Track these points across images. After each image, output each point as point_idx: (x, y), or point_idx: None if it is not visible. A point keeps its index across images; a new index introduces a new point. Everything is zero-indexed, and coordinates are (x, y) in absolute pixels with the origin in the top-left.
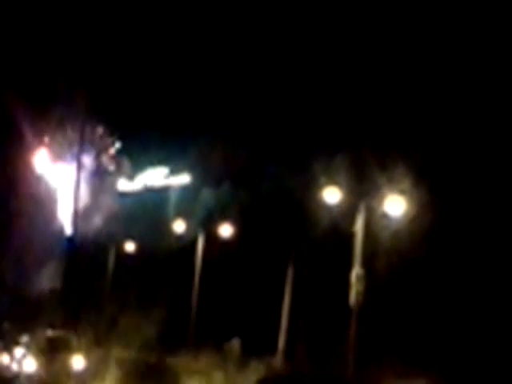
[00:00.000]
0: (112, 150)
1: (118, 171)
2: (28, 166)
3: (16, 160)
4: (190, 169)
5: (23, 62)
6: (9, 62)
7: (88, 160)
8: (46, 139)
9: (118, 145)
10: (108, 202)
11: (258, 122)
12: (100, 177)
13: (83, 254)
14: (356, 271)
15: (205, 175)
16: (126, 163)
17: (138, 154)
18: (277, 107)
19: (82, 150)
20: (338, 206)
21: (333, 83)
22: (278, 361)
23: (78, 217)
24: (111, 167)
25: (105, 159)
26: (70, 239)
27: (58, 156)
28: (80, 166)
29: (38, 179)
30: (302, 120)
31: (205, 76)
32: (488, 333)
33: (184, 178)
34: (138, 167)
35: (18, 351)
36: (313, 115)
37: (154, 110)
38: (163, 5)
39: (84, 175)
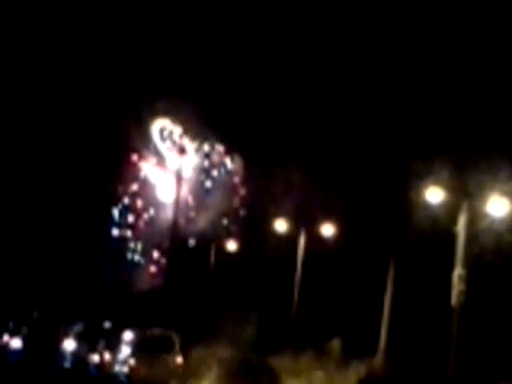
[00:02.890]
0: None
1: (232, 170)
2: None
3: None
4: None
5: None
6: (119, 80)
7: (198, 158)
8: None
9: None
10: (216, 201)
11: (363, 120)
12: (210, 176)
13: (185, 252)
14: (458, 271)
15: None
16: (239, 161)
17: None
18: (378, 106)
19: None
20: (441, 205)
21: (438, 81)
22: (378, 361)
23: (178, 216)
24: (223, 166)
25: (216, 157)
26: (172, 238)
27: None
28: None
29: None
30: (407, 119)
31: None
32: None
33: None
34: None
35: (121, 350)
36: (417, 114)
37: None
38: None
39: (193, 174)
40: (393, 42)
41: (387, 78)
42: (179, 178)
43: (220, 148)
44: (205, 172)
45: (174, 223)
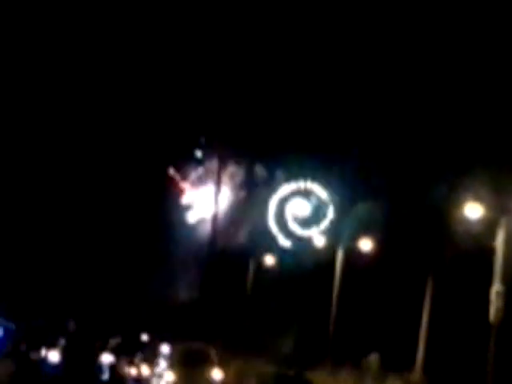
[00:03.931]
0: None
1: (270, 184)
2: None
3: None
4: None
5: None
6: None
7: (238, 171)
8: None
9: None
10: (255, 215)
11: (403, 133)
12: (249, 189)
13: (224, 266)
14: (496, 287)
15: (343, 190)
16: (279, 175)
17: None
18: (420, 119)
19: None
20: (479, 221)
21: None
22: (416, 376)
23: (216, 228)
24: (262, 180)
25: (258, 170)
26: (210, 251)
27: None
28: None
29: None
30: (449, 133)
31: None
32: None
33: (322, 194)
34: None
35: (158, 363)
36: (460, 129)
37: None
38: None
39: (232, 186)
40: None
41: (432, 89)
42: (218, 191)
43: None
44: (245, 186)
45: (213, 236)
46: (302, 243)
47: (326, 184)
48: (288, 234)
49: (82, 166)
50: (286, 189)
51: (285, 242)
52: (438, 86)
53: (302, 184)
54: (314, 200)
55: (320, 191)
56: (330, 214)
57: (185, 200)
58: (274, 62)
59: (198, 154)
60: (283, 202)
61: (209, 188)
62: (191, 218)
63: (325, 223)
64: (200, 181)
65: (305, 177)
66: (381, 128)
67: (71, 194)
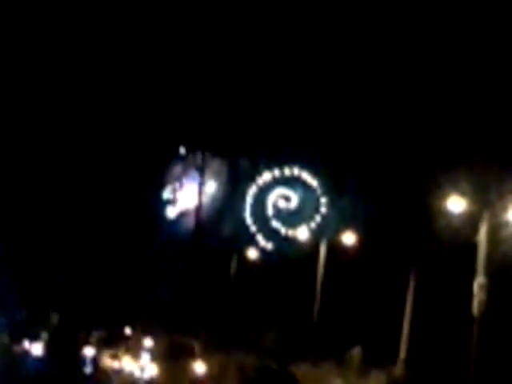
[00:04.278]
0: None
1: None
2: None
3: None
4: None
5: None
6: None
7: (222, 165)
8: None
9: None
10: (238, 208)
11: (385, 129)
12: (233, 183)
13: (206, 259)
14: (479, 280)
15: (328, 184)
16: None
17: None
18: (401, 114)
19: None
20: (462, 214)
21: (460, 90)
22: (399, 369)
23: (200, 221)
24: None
25: (242, 163)
26: (193, 244)
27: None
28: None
29: None
30: (429, 128)
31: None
32: None
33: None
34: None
35: (142, 356)
36: (440, 123)
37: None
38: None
39: (216, 180)
40: (418, 50)
41: (409, 85)
42: (202, 183)
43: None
44: (229, 179)
45: (196, 229)
46: (287, 243)
47: (314, 174)
48: (270, 232)
49: (65, 159)
50: (266, 176)
51: (266, 244)
52: (423, 79)
53: (287, 170)
54: (301, 190)
55: (309, 179)
56: (323, 207)
57: (166, 195)
58: (254, 53)
59: (182, 150)
60: (264, 192)
61: (192, 183)
62: (172, 212)
63: (316, 220)
64: (184, 175)
65: (290, 164)
66: (365, 121)
67: (53, 186)
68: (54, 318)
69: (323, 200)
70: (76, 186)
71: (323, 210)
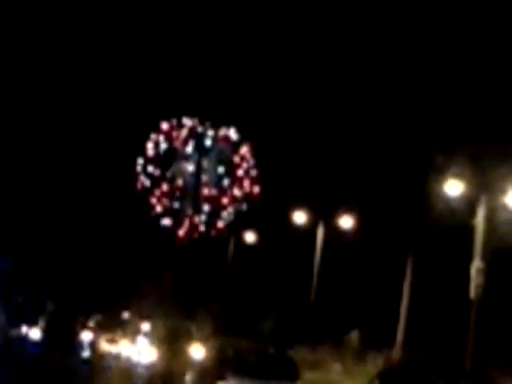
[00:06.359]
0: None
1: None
2: None
3: None
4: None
5: None
6: None
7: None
8: None
9: None
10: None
11: (383, 112)
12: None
13: (204, 243)
14: (476, 264)
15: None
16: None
17: None
18: (399, 98)
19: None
20: (460, 198)
21: (458, 73)
22: (396, 353)
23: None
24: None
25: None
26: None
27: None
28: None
29: None
30: (427, 112)
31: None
32: None
33: None
34: None
35: (139, 340)
36: (438, 107)
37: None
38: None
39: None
40: (413, 36)
41: (407, 69)
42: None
43: (231, 133)
44: (218, 159)
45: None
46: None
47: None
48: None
49: (58, 149)
50: None
51: None
52: (420, 67)
53: None
54: None
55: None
56: None
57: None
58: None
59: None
60: None
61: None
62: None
63: None
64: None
65: None
66: (363, 105)
67: (48, 175)
68: (49, 306)
69: None
70: (70, 173)
71: None
